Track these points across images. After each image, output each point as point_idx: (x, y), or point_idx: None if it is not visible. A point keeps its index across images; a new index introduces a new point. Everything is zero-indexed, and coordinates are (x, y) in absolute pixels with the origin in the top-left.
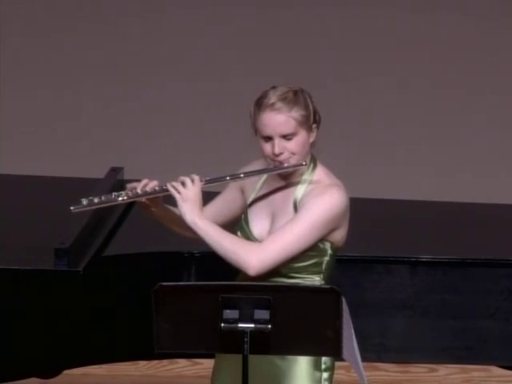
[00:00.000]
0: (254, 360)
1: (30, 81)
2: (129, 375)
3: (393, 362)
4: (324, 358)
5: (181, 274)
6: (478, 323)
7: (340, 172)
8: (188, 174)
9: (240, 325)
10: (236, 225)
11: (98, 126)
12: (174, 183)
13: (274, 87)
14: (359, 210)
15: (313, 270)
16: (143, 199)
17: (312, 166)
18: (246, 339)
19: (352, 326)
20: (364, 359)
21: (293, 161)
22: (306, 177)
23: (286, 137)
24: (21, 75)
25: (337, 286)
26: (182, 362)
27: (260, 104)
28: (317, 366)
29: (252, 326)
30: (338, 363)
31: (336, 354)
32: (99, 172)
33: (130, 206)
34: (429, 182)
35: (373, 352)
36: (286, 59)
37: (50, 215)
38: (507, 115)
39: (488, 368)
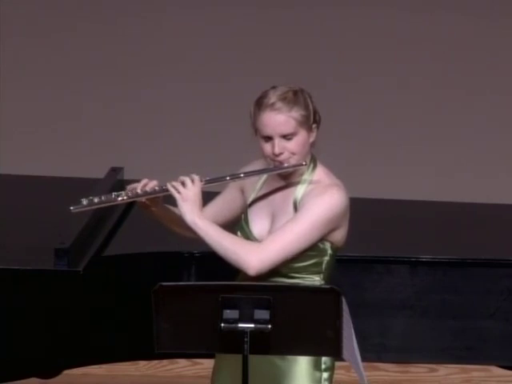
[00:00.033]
0: (254, 360)
1: (30, 81)
2: (129, 375)
3: (393, 362)
4: (324, 358)
5: (181, 274)
6: (477, 323)
7: (340, 172)
8: (188, 174)
9: (240, 325)
10: (236, 225)
11: (97, 126)
12: (174, 183)
13: (274, 87)
14: (359, 210)
15: (313, 269)
16: (143, 199)
17: (312, 165)
18: (246, 339)
19: (352, 325)
20: (364, 359)
21: (293, 161)
22: (306, 177)
23: (286, 137)
24: (21, 75)
25: (337, 286)
26: (182, 361)
27: (260, 104)
28: (317, 366)
29: (252, 326)
30: (337, 363)
31: (336, 354)
32: (99, 172)
33: (129, 205)
34: (429, 182)
35: (373, 352)
36: (286, 59)
37: (49, 215)
38: (507, 115)
39: (488, 368)
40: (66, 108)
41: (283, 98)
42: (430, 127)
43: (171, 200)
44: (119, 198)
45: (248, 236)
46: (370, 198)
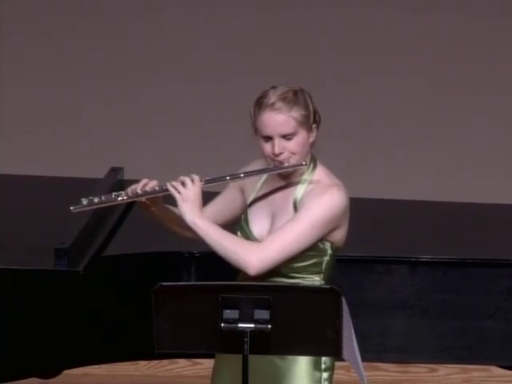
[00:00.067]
0: (254, 360)
1: (30, 81)
2: (129, 375)
3: (393, 362)
4: (324, 358)
5: (181, 274)
6: (478, 323)
7: (340, 172)
8: (188, 174)
9: (240, 325)
10: (236, 225)
11: (98, 126)
12: (174, 183)
13: (274, 87)
14: (359, 210)
15: (313, 269)
16: (143, 199)
17: (312, 165)
18: (246, 339)
19: (352, 325)
20: (364, 359)
21: (293, 161)
22: (305, 177)
23: (286, 137)
24: (21, 75)
25: (337, 286)
26: (182, 361)
27: (260, 104)
28: (317, 366)
29: (252, 326)
30: (337, 363)
31: (336, 354)
32: (99, 172)
33: (129, 205)
34: (429, 182)
35: (373, 352)
36: (286, 59)
37: (50, 215)
38: (507, 115)
39: (488, 368)
40: (66, 108)
41: (283, 98)
42: (429, 127)
43: (171, 200)
44: (119, 198)
45: (248, 236)
46: (370, 198)
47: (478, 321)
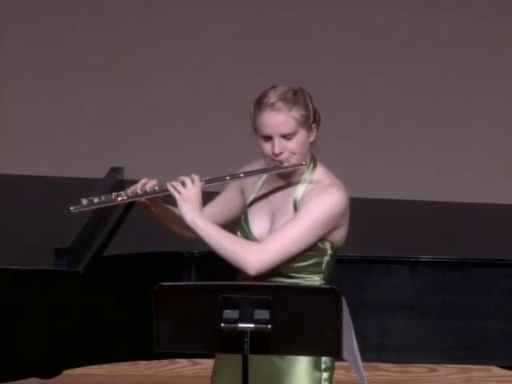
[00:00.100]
0: (254, 360)
1: (30, 81)
2: (129, 375)
3: (393, 362)
4: (324, 358)
5: (181, 274)
6: (478, 323)
7: (340, 172)
8: (188, 174)
9: (240, 325)
10: (236, 225)
11: (98, 126)
12: (174, 183)
13: (273, 87)
14: (359, 210)
15: (313, 269)
16: (143, 199)
17: (312, 165)
18: (246, 339)
19: (352, 325)
20: (364, 359)
21: (293, 160)
22: (305, 176)
23: (286, 136)
24: (21, 75)
25: (337, 286)
26: (182, 361)
27: (260, 104)
28: (317, 366)
29: (252, 326)
30: (337, 363)
31: (336, 354)
32: (99, 172)
33: (129, 205)
34: (429, 182)
35: (373, 352)
36: (286, 59)
37: (50, 215)
38: (507, 115)
39: (488, 368)
40: (66, 108)
41: (283, 98)
42: (430, 127)
43: (171, 200)
44: (119, 198)
45: (248, 236)
46: (370, 198)
47: (478, 321)
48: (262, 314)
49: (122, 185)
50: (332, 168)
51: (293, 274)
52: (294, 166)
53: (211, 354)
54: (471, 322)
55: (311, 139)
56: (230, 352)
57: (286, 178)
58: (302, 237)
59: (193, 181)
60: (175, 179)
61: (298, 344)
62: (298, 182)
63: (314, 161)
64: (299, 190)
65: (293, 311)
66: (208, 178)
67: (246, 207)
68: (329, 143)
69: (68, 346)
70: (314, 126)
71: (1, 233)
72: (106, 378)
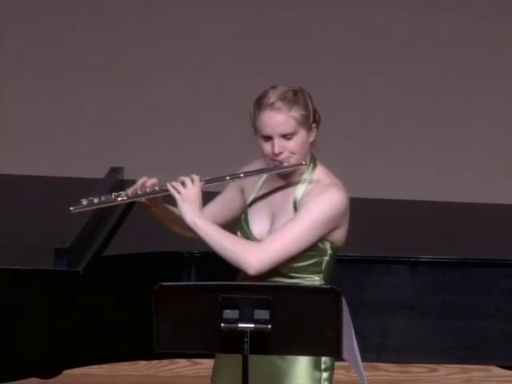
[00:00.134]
0: (254, 360)
1: (30, 81)
2: (129, 375)
3: (393, 362)
4: (324, 358)
5: (181, 274)
6: (478, 323)
7: (340, 172)
8: (188, 174)
9: (240, 325)
10: (236, 225)
11: (98, 126)
12: (174, 183)
13: (273, 87)
14: (359, 210)
15: (313, 269)
16: (143, 199)
17: (312, 165)
18: (246, 339)
19: (352, 325)
20: (364, 359)
21: (292, 160)
22: (305, 176)
23: (286, 136)
24: (21, 75)
25: (337, 286)
26: (182, 361)
27: (260, 103)
28: (317, 366)
29: (252, 326)
30: (337, 363)
31: (336, 354)
32: (99, 172)
33: (129, 206)
34: (429, 182)
35: (373, 352)
36: (286, 59)
37: (50, 215)
38: (507, 115)
39: (488, 368)
40: (66, 108)
41: (283, 98)
42: (430, 127)
43: (171, 200)
44: (119, 199)
45: (248, 236)
46: (370, 198)
47: (478, 321)
48: (262, 314)
49: (122, 185)
50: (332, 168)
51: (293, 274)
52: (293, 165)
53: (211, 354)
54: (471, 322)
55: (311, 139)
56: (230, 352)
57: (286, 177)
58: (302, 237)
59: (193, 181)
60: (175, 179)
61: (298, 344)
62: (297, 182)
63: (313, 161)
64: (299, 190)
65: (293, 311)
66: (208, 178)
67: (246, 207)
68: (329, 143)
69: (68, 346)
70: (313, 125)
71: (1, 233)
72: (105, 378)
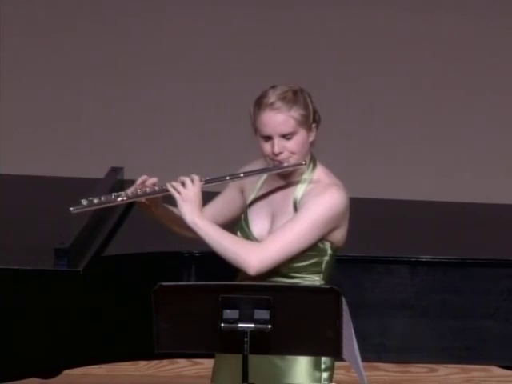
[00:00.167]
0: (254, 360)
1: (30, 81)
2: (129, 375)
3: (393, 362)
4: (324, 358)
5: (181, 274)
6: (478, 323)
7: (340, 172)
8: (188, 174)
9: (240, 325)
10: (236, 225)
11: (98, 126)
12: (174, 183)
13: (273, 87)
14: (359, 210)
15: (313, 269)
16: (143, 199)
17: (312, 165)
18: (246, 339)
19: (352, 325)
20: (364, 359)
21: (292, 160)
22: (305, 176)
23: (286, 136)
24: (21, 75)
25: (337, 286)
26: (182, 361)
27: (260, 103)
28: (317, 366)
29: (252, 326)
30: (337, 363)
31: (336, 354)
32: (99, 172)
33: (130, 206)
34: (429, 182)
35: (373, 352)
36: (286, 59)
37: (50, 215)
38: (507, 115)
39: (488, 368)
40: (66, 108)
41: (283, 98)
42: (430, 127)
43: (171, 200)
44: (119, 199)
45: (248, 236)
46: (370, 198)
47: (478, 321)
48: (262, 314)
49: (122, 185)
50: (332, 168)
51: (293, 274)
52: (293, 165)
53: (211, 354)
54: (471, 322)
55: (311, 139)
56: (230, 352)
57: (286, 177)
58: (302, 237)
59: (193, 181)
60: (175, 179)
61: (298, 344)
62: (297, 182)
63: (313, 161)
64: (299, 190)
65: (293, 311)
66: (208, 178)
67: (246, 207)
68: (329, 143)
69: (68, 345)
70: (313, 125)
71: (1, 233)
72: (105, 378)
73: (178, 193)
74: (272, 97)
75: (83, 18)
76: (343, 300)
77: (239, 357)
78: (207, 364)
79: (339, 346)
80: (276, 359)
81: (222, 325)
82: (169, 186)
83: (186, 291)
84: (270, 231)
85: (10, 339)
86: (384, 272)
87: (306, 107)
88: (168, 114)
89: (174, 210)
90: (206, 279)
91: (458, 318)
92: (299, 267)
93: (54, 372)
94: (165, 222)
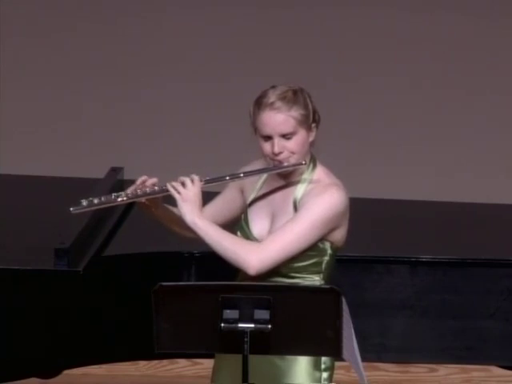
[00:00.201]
0: (254, 360)
1: (30, 81)
2: (129, 375)
3: (393, 362)
4: (324, 358)
5: (181, 274)
6: (478, 323)
7: (340, 172)
8: (188, 174)
9: (240, 325)
10: (236, 225)
11: (98, 126)
12: (174, 183)
13: (273, 87)
14: (359, 210)
15: (313, 269)
16: (143, 200)
17: (312, 165)
18: (246, 339)
19: (352, 325)
20: (364, 359)
21: (292, 160)
22: (305, 176)
23: (286, 136)
24: (21, 75)
25: (337, 286)
26: (182, 361)
27: (259, 103)
28: (317, 366)
29: (252, 326)
30: (337, 363)
31: (336, 354)
32: (99, 172)
33: (130, 206)
34: (429, 182)
35: (373, 352)
36: (286, 59)
37: (50, 215)
38: (507, 115)
39: (488, 368)
40: (66, 108)
41: (283, 98)
42: (430, 127)
43: (171, 200)
44: (119, 199)
45: (248, 236)
46: (370, 198)
47: (478, 321)
48: (262, 314)
49: (122, 185)
50: (332, 168)
51: (293, 274)
52: (293, 165)
53: (211, 354)
54: (471, 322)
55: (311, 139)
56: (230, 352)
57: (286, 177)
58: (302, 237)
59: (193, 181)
60: (175, 179)
61: (298, 344)
62: (297, 182)
63: (313, 160)
64: (299, 190)
65: (293, 311)
66: (208, 178)
67: (246, 207)
68: (329, 143)
69: (68, 345)
70: (313, 125)
71: (1, 233)
72: (105, 378)
73: (178, 193)
74: (272, 97)
75: (83, 18)
76: (343, 300)
77: (239, 357)
78: (207, 364)
79: (339, 346)
80: (276, 359)
81: (222, 325)
82: (169, 186)
83: (186, 291)
84: (270, 231)
85: (9, 339)
86: (384, 272)
87: (305, 107)
88: (168, 114)
89: (174, 210)
90: (206, 279)
91: (458, 318)
92: (299, 267)
93: (54, 372)
94: (165, 222)
